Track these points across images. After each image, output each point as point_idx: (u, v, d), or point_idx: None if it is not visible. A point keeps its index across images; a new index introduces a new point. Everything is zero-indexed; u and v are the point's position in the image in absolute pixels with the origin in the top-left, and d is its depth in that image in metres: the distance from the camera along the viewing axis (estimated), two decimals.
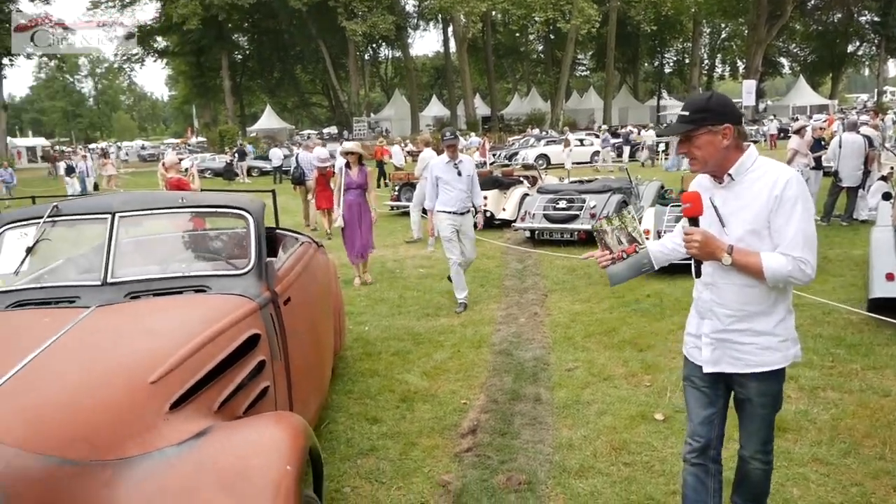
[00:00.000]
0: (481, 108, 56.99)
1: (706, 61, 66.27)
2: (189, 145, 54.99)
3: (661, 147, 27.96)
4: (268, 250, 3.65)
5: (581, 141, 30.94)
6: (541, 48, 64.81)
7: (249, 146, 36.57)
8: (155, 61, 61.49)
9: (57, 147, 59.63)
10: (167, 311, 3.01)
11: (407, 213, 14.18)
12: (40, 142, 66.99)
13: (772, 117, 40.12)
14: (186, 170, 12.08)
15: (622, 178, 12.20)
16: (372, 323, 6.97)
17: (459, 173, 7.14)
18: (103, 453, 2.09)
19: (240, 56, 59.79)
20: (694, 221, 2.51)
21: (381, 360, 5.80)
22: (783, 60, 66.32)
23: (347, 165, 8.64)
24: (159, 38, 57.22)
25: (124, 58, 58.09)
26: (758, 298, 2.56)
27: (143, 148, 65.49)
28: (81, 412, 2.19)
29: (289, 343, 3.41)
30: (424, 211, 12.30)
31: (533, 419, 4.46)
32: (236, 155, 33.57)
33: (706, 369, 2.69)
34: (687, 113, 2.52)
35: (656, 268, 2.81)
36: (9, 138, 54.03)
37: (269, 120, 60.04)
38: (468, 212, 7.25)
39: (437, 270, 9.41)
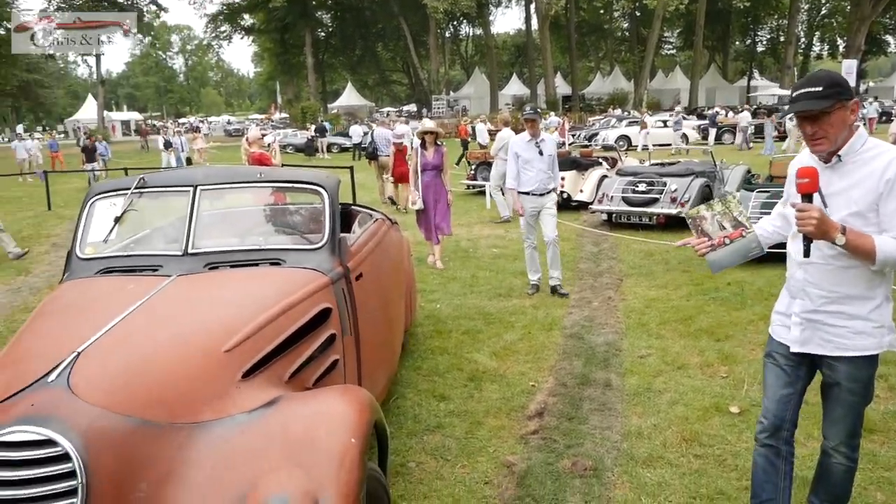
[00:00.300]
0: (562, 87, 56.06)
1: (803, 39, 62.85)
2: (272, 121, 56.35)
3: (751, 130, 26.69)
4: (342, 226, 3.71)
5: (664, 122, 30.01)
6: (626, 25, 63.13)
7: (326, 123, 37.15)
8: (242, 38, 63.33)
9: (149, 121, 62.29)
10: (243, 283, 3.09)
11: (482, 193, 14.15)
12: (134, 116, 70.11)
13: (872, 99, 37.80)
14: (269, 145, 12.40)
15: (706, 161, 11.79)
16: (443, 301, 7.01)
17: (541, 152, 6.82)
18: (179, 416, 2.18)
19: (323, 33, 60.73)
20: (808, 198, 2.39)
21: (451, 338, 5.82)
22: (889, 38, 62.28)
23: (423, 145, 8.45)
24: (246, 16, 58.71)
25: (213, 35, 59.84)
26: (853, 281, 2.48)
27: (228, 123, 67.50)
28: (160, 376, 2.29)
29: (359, 318, 3.46)
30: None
31: (602, 405, 4.39)
32: (316, 131, 34.19)
33: (794, 349, 2.64)
34: (820, 88, 2.39)
35: (765, 251, 2.74)
36: (105, 112, 56.68)
37: (349, 97, 60.83)
38: (549, 193, 6.93)
39: (510, 251, 9.37)
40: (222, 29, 60.79)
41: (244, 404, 2.33)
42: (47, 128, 61.92)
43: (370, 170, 16.27)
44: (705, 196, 10.49)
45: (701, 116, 34.57)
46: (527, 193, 6.91)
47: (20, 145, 26.97)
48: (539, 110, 7.30)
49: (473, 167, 15.91)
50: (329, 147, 33.75)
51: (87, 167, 21.71)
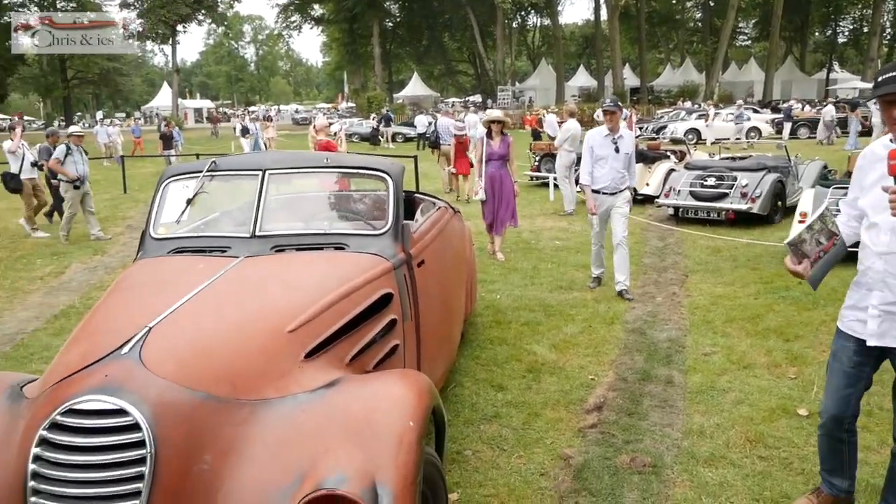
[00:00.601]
0: (630, 79, 54.99)
1: (888, 30, 59.87)
2: (338, 110, 57.16)
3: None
4: (406, 213, 3.74)
5: (735, 116, 29.06)
6: (699, 16, 61.40)
7: (389, 113, 37.44)
8: (311, 28, 64.30)
9: (220, 109, 63.99)
10: (308, 266, 3.15)
11: (546, 185, 14.03)
12: (206, 104, 72.18)
13: None
14: (335, 134, 12.62)
15: (779, 155, 11.38)
16: (504, 292, 6.99)
17: (617, 149, 6.39)
18: (243, 393, 2.24)
19: (390, 23, 61.15)
20: None
21: (510, 329, 5.80)
22: None
23: (489, 134, 8.20)
24: (316, 6, 59.62)
25: (283, 25, 61.00)
26: None
27: (296, 112, 68.81)
28: (227, 353, 2.35)
29: (420, 304, 3.48)
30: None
31: (663, 402, 4.31)
32: (381, 121, 34.51)
33: (870, 342, 2.59)
34: None
35: (847, 250, 2.74)
36: (179, 100, 58.51)
37: (415, 87, 61.14)
38: (621, 192, 6.49)
39: (572, 243, 9.26)
40: (293, 19, 62.01)
41: (306, 384, 2.38)
42: (130, 114, 64.32)
43: (433, 159, 16.42)
44: (777, 192, 10.14)
45: (775, 110, 33.35)
46: (597, 192, 6.53)
47: (102, 130, 28.13)
48: (619, 102, 6.73)
49: (537, 158, 15.78)
50: (393, 136, 34.04)
51: (164, 153, 22.64)
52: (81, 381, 2.10)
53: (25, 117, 63.41)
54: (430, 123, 27.51)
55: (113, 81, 64.21)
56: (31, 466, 2.00)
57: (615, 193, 6.50)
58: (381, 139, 33.06)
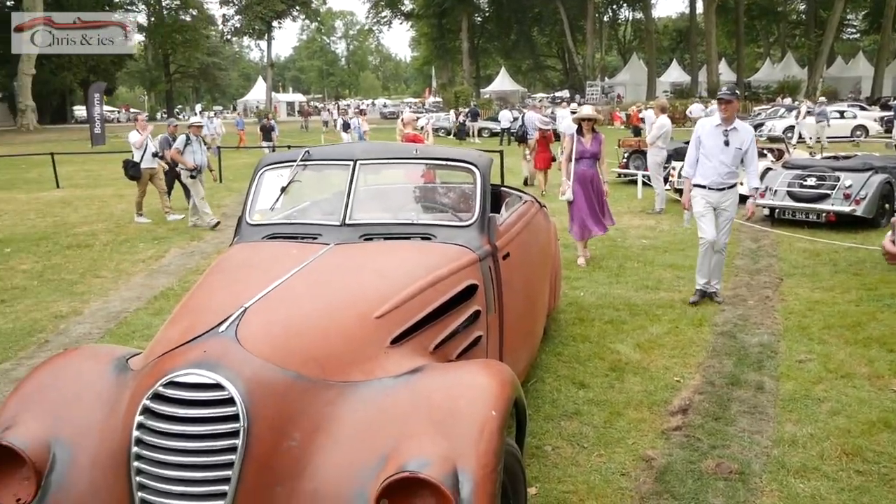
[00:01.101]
0: (726, 75, 52.96)
1: None
2: (425, 105, 57.67)
3: None
4: (492, 206, 3.74)
5: (841, 113, 27.55)
6: (802, 8, 58.52)
7: (476, 107, 37.46)
8: (401, 23, 65.16)
9: (311, 103, 65.65)
10: (395, 254, 3.20)
11: (633, 182, 13.75)
12: (298, 97, 74.25)
13: None
14: (422, 127, 12.77)
15: (889, 155, 10.73)
16: (588, 289, 6.89)
17: (727, 142, 5.89)
18: (331, 374, 2.31)
19: (479, 18, 61.17)
20: None
21: (593, 326, 5.73)
22: None
23: (580, 131, 7.71)
24: (406, 1, 60.33)
25: (374, 20, 62.05)
26: None
27: (384, 106, 69.85)
28: (316, 335, 2.43)
29: (504, 297, 3.48)
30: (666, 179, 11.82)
31: (752, 408, 4.15)
32: (468, 115, 34.60)
33: None
34: None
35: None
36: (272, 93, 60.45)
37: (502, 82, 60.93)
38: (728, 188, 6.02)
39: (660, 242, 9.04)
40: (383, 14, 62.95)
41: (391, 369, 2.42)
42: (226, 107, 66.96)
43: (519, 154, 16.48)
44: (885, 194, 9.56)
45: (885, 107, 31.43)
46: (702, 186, 6.06)
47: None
48: (737, 91, 6.15)
49: (626, 155, 15.48)
50: (479, 131, 34.10)
51: (263, 144, 23.59)
52: (182, 356, 2.21)
53: (131, 109, 67.01)
54: (514, 119, 27.45)
55: (211, 76, 67.11)
56: (135, 433, 2.12)
57: (721, 190, 6.02)
58: (469, 134, 33.15)
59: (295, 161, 3.73)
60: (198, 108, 56.14)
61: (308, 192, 3.90)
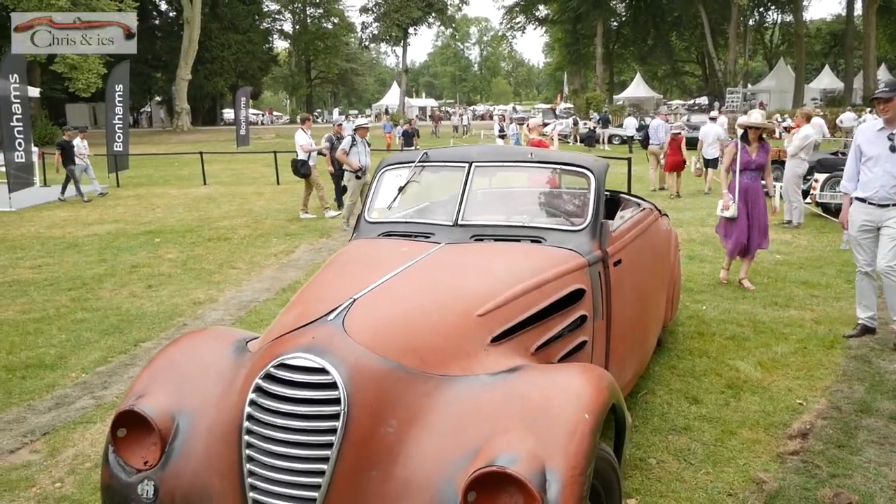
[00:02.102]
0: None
1: None
2: (556, 111, 57.20)
3: None
4: (608, 212, 3.70)
5: None
6: None
7: (608, 114, 36.69)
8: (534, 29, 64.97)
9: (442, 108, 66.77)
10: (503, 256, 3.25)
11: (767, 194, 13.02)
12: (430, 103, 75.77)
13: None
14: (548, 133, 12.74)
15: None
16: (710, 303, 6.63)
17: (893, 147, 5.09)
18: (430, 367, 2.38)
19: (615, 23, 59.95)
20: None
21: (713, 341, 5.50)
22: None
23: (744, 139, 6.90)
24: (541, 7, 60.14)
25: (508, 26, 62.35)
26: None
27: (514, 111, 69.87)
28: (418, 329, 2.52)
29: (613, 304, 3.44)
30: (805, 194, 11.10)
31: (882, 438, 3.85)
32: (599, 122, 34.03)
33: None
34: None
35: None
36: (405, 98, 62.08)
37: (637, 88, 59.32)
38: (893, 205, 5.15)
39: (795, 258, 8.53)
40: (517, 20, 63.07)
41: (489, 366, 2.47)
42: (361, 112, 69.51)
43: (648, 162, 16.35)
44: None
45: None
46: (862, 200, 5.29)
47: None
48: None
49: None
50: (610, 138, 33.46)
51: (405, 150, 24.33)
52: (293, 340, 2.36)
53: (274, 112, 71.01)
54: (640, 127, 26.66)
55: (349, 81, 69.91)
56: (247, 409, 2.29)
57: (887, 206, 5.16)
58: (598, 140, 32.63)
59: (413, 162, 3.87)
60: (335, 111, 58.64)
61: (425, 193, 4.02)
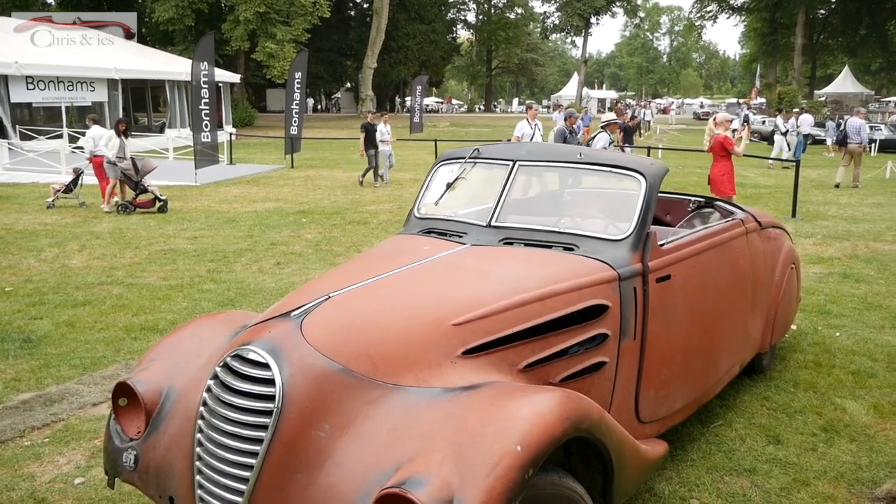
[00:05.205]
0: None
1: None
2: (750, 106, 53.31)
3: None
4: (702, 219, 3.32)
5: None
6: None
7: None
8: (728, 18, 60.85)
9: (624, 100, 64.63)
10: (518, 263, 3.03)
11: None
12: (610, 94, 73.52)
13: None
14: (734, 131, 11.86)
15: None
16: (848, 330, 5.84)
17: None
18: (381, 374, 2.28)
19: (822, 11, 54.59)
20: None
21: (829, 375, 4.84)
22: None
23: None
24: None
25: (699, 14, 59.01)
26: None
27: (700, 106, 66.05)
28: (379, 333, 2.40)
29: (653, 324, 3.11)
30: None
31: None
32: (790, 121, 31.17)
33: None
34: None
35: None
36: (585, 89, 60.79)
37: (844, 83, 53.62)
38: None
39: None
40: (709, 9, 59.46)
41: (450, 380, 2.32)
42: (539, 102, 69.23)
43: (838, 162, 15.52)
44: None
45: None
46: None
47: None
48: None
49: None
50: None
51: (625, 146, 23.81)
52: (256, 333, 2.37)
53: (453, 101, 72.58)
54: (838, 126, 24.19)
55: (529, 71, 69.68)
56: (203, 395, 2.33)
57: None
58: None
59: (465, 158, 3.74)
60: (515, 102, 58.84)
61: (474, 190, 3.87)
